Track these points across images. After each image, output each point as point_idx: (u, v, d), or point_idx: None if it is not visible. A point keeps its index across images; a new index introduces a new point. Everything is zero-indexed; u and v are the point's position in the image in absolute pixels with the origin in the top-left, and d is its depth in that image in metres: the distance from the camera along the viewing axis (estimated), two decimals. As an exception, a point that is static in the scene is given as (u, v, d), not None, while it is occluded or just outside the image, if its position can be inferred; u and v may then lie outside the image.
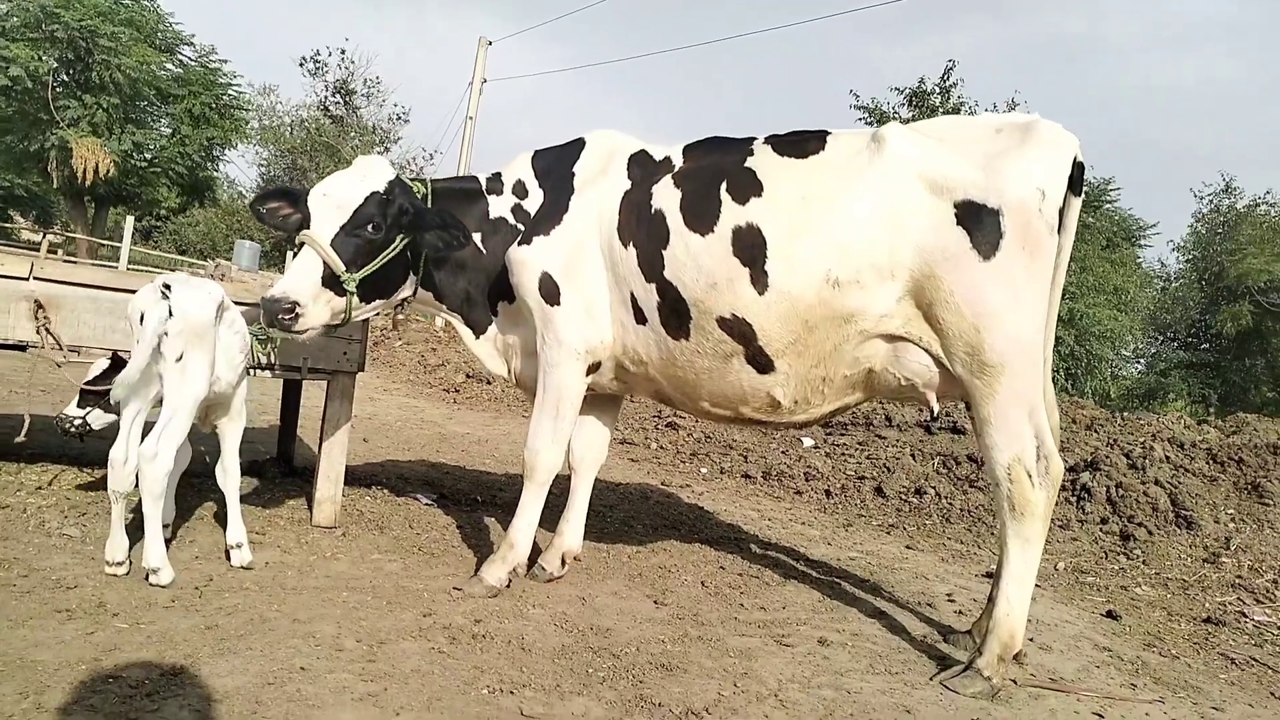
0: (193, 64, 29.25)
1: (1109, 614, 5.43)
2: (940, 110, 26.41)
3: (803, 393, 4.23)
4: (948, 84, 26.52)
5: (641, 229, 4.31)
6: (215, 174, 33.51)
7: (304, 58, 31.78)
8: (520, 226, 4.60)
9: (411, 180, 4.55)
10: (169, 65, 28.42)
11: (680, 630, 4.16)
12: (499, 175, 4.77)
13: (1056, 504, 7.73)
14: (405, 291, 4.61)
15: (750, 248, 4.04)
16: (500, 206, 4.67)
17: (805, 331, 4.03)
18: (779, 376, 4.18)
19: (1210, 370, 36.90)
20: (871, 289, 3.92)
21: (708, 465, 9.13)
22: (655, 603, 4.54)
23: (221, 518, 4.97)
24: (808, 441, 9.73)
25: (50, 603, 3.53)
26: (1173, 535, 7.20)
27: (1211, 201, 38.01)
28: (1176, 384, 36.50)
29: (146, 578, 3.87)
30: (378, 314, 4.80)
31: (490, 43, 32.78)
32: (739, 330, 4.11)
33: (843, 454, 9.19)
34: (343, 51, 31.30)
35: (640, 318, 4.36)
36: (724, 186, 4.18)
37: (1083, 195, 4.06)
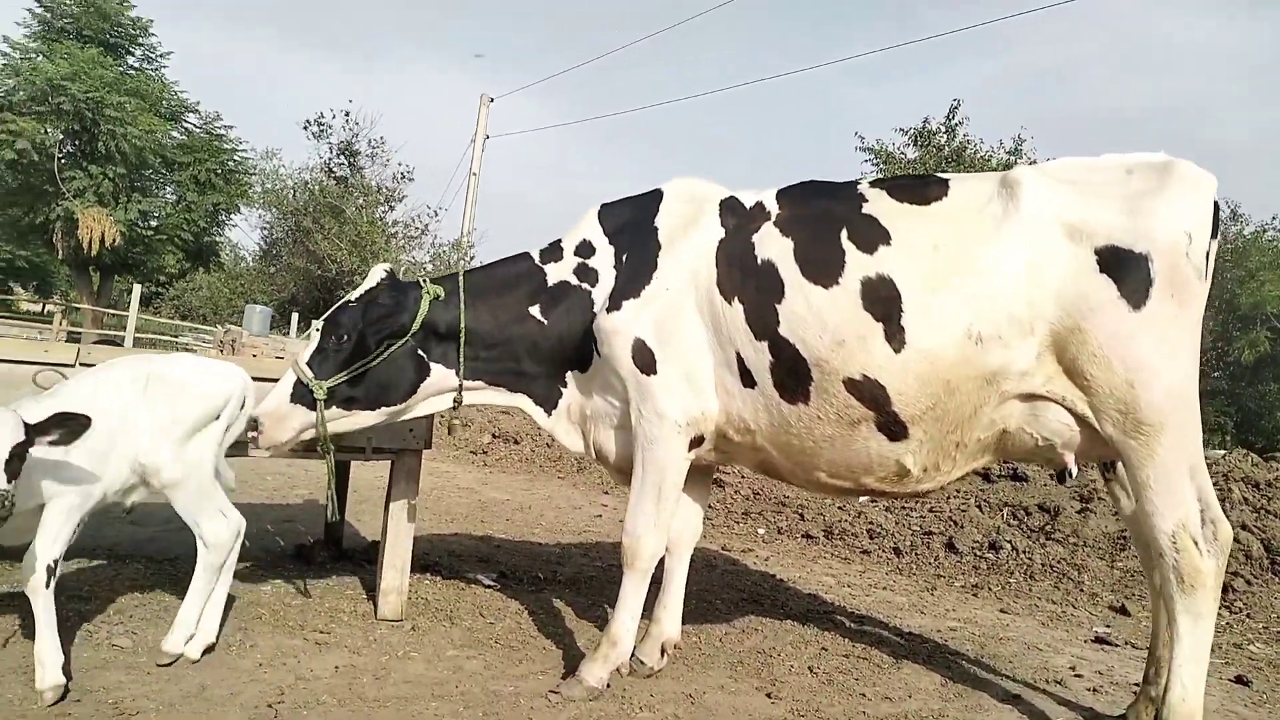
0: (198, 131, 29.13)
1: (1238, 679, 5.02)
2: (946, 149, 26.34)
3: (934, 459, 3.83)
4: (953, 123, 26.44)
5: (749, 282, 3.92)
6: (220, 238, 33.34)
7: (308, 121, 31.77)
8: (586, 286, 4.26)
9: (435, 279, 4.37)
10: (174, 133, 28.27)
11: (808, 730, 3.76)
12: (558, 242, 4.45)
13: (1134, 556, 7.38)
14: (441, 386, 4.29)
15: (884, 301, 3.68)
16: (560, 271, 4.33)
17: (946, 394, 3.66)
18: (912, 444, 3.77)
19: (1225, 398, 36.46)
20: (1013, 345, 3.61)
21: (764, 525, 8.71)
22: (769, 696, 4.13)
23: (283, 616, 4.59)
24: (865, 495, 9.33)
25: None
26: (1272, 584, 6.80)
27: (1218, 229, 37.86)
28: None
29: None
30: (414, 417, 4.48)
31: (492, 100, 32.92)
32: (870, 393, 3.71)
33: (903, 507, 8.77)
34: (346, 114, 31.09)
35: (748, 381, 3.94)
36: (845, 234, 3.82)
37: (1218, 236, 3.76)
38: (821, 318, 3.76)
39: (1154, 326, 3.53)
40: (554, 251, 4.39)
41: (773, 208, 4.09)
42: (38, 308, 40.77)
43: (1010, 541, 7.60)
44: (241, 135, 34.09)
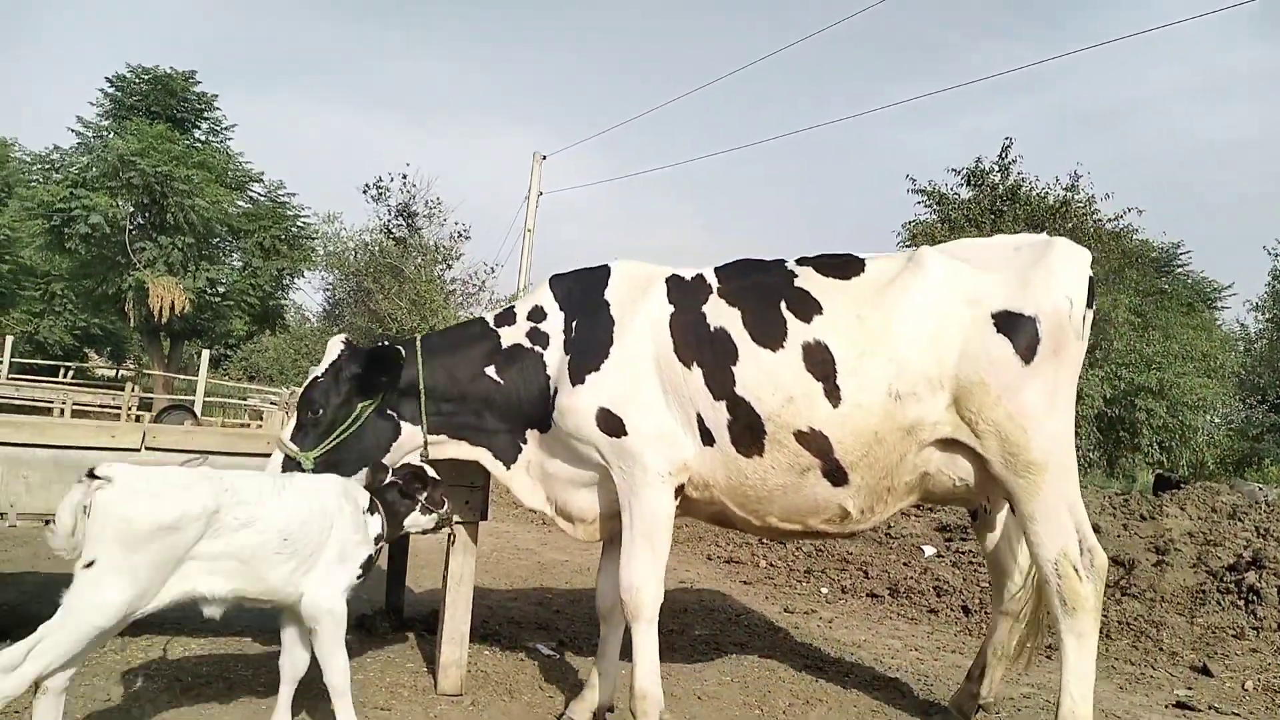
0: (262, 199, 30.17)
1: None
2: (1000, 188, 26.02)
3: (869, 502, 4.29)
4: (1006, 161, 26.14)
5: (704, 349, 4.27)
6: (285, 301, 34.25)
7: (367, 184, 32.43)
8: (539, 349, 4.49)
9: (393, 341, 4.60)
10: (240, 202, 29.34)
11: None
12: (511, 308, 4.72)
13: (1224, 610, 7.08)
14: (412, 441, 4.44)
15: (822, 363, 4.15)
16: (514, 335, 4.56)
17: (876, 443, 4.13)
18: (851, 489, 4.23)
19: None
20: (926, 399, 4.10)
21: (827, 584, 8.54)
22: (837, 776, 4.01)
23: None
24: (929, 550, 9.12)
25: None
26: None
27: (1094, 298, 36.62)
28: (1271, 448, 34.73)
29: None
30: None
31: (544, 157, 33.38)
32: (816, 444, 4.14)
33: (970, 562, 8.55)
34: (404, 176, 31.72)
35: (708, 439, 4.26)
36: (783, 305, 4.28)
37: (1093, 306, 4.35)
38: (773, 377, 4.17)
39: (1041, 379, 4.06)
40: (508, 316, 4.65)
41: (714, 282, 4.48)
42: (112, 373, 42.02)
43: (1083, 598, 7.34)
44: (304, 201, 35.05)
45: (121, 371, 38.82)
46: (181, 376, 30.25)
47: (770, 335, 4.22)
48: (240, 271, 29.33)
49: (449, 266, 33.59)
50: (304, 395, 4.29)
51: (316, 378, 4.31)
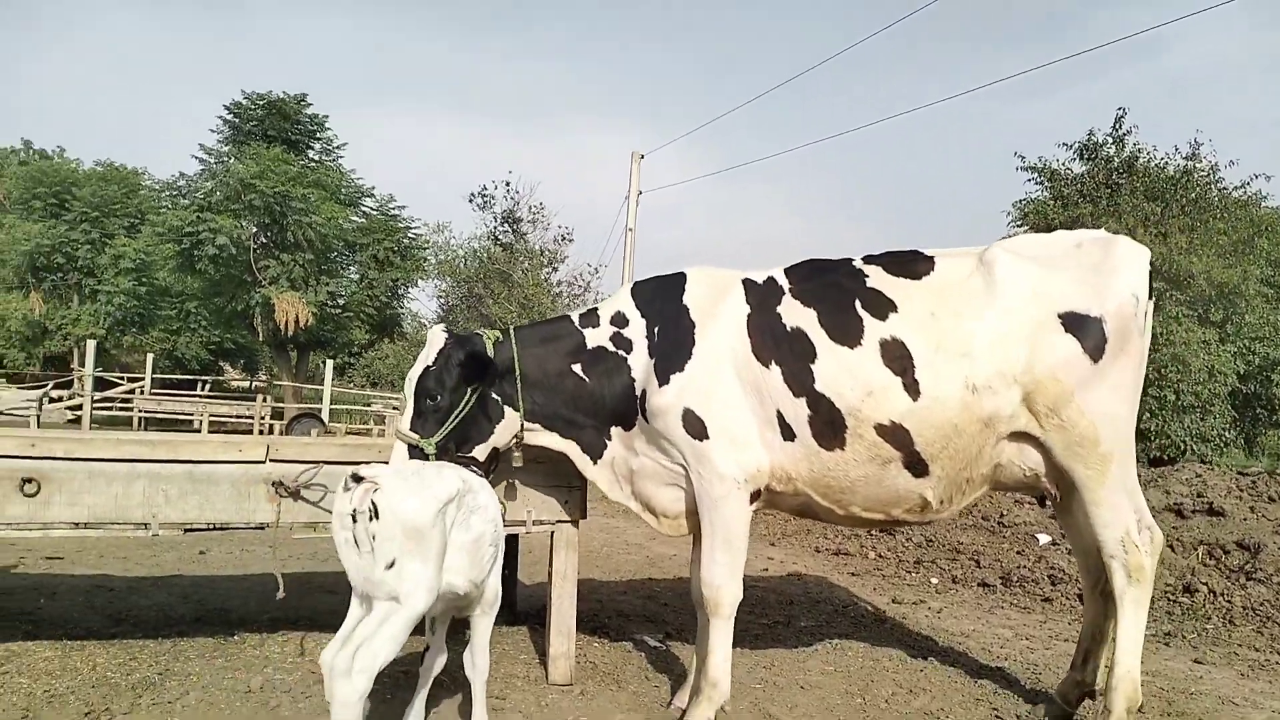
0: (375, 213, 31.31)
1: None
2: (1115, 160, 24.96)
3: (949, 492, 4.48)
4: (1121, 133, 25.05)
5: (783, 348, 4.45)
6: (401, 310, 35.47)
7: (473, 194, 33.38)
8: (622, 353, 4.69)
9: (485, 331, 4.83)
10: (354, 217, 30.52)
11: (975, 798, 3.67)
12: (595, 310, 4.91)
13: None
14: (512, 426, 4.69)
15: (899, 358, 4.31)
16: (598, 337, 4.76)
17: (955, 435, 4.31)
18: (932, 479, 4.41)
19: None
20: (1001, 393, 4.27)
21: (936, 574, 8.48)
22: (934, 761, 4.05)
23: (462, 681, 4.85)
24: (1044, 539, 8.93)
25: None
26: None
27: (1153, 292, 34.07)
28: None
29: None
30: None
31: (642, 156, 33.65)
32: (897, 436, 4.32)
33: (1086, 550, 8.34)
34: (508, 184, 32.59)
35: (788, 435, 4.44)
36: (858, 303, 4.46)
37: (1153, 298, 4.53)
38: (852, 373, 4.34)
39: (1108, 376, 4.27)
40: (591, 318, 4.83)
41: (783, 282, 4.67)
42: (246, 384, 44.22)
43: (1206, 583, 7.11)
44: (413, 212, 36.40)
45: (255, 383, 40.89)
46: (309, 386, 31.65)
47: (847, 333, 4.40)
48: (358, 284, 30.50)
49: (554, 269, 34.25)
50: (419, 384, 4.55)
51: (428, 367, 4.57)
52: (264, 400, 26.79)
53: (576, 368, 4.73)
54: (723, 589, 4.47)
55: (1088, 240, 4.55)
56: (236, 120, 29.58)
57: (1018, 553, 8.67)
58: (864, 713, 4.70)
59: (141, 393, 27.57)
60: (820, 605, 7.21)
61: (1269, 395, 22.37)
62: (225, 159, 28.64)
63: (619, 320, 4.78)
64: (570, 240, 34.36)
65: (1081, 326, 4.27)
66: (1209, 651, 6.10)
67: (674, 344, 4.57)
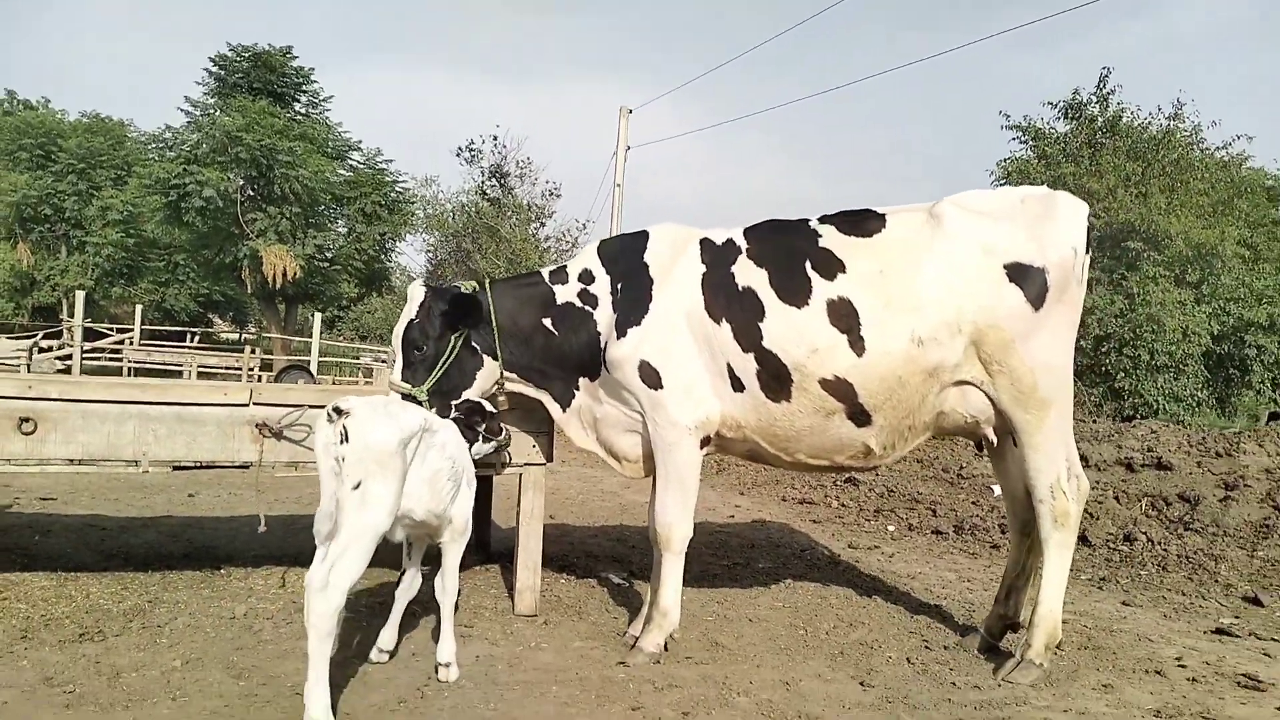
0: (362, 167, 31.34)
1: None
2: (1100, 120, 25.12)
3: (891, 440, 4.76)
4: (1105, 92, 25.17)
5: (734, 306, 4.72)
6: (389, 264, 35.59)
7: (460, 148, 33.28)
8: (588, 308, 5.00)
9: (462, 284, 5.13)
10: (341, 171, 30.56)
11: (891, 716, 4.05)
12: (564, 268, 5.19)
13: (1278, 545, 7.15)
14: (492, 374, 5.04)
15: (846, 316, 4.57)
16: (567, 293, 5.06)
17: (899, 386, 4.58)
18: (875, 428, 4.70)
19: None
20: (946, 344, 4.53)
21: (894, 522, 8.87)
22: (861, 684, 4.43)
23: (434, 612, 5.19)
24: (998, 490, 9.31)
25: (289, 711, 3.76)
26: None
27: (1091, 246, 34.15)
28: None
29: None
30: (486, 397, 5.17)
31: (630, 111, 33.57)
32: (841, 390, 4.60)
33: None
34: (495, 138, 32.43)
35: (738, 386, 4.73)
36: (809, 264, 4.70)
37: (1090, 252, 4.82)
38: (799, 331, 4.62)
39: (1049, 324, 4.55)
40: (561, 274, 5.14)
41: (741, 243, 4.91)
42: (235, 336, 44.38)
43: (1146, 533, 7.51)
44: (401, 166, 36.34)
45: (244, 335, 41.05)
46: (297, 338, 31.84)
47: (795, 293, 4.67)
48: (345, 237, 30.64)
49: (542, 225, 34.30)
50: (405, 337, 4.92)
51: (412, 320, 4.92)
52: (252, 352, 27.03)
53: (547, 321, 5.04)
54: (674, 526, 4.81)
55: (1031, 195, 4.81)
56: (222, 73, 29.48)
57: (973, 503, 9.07)
58: (805, 643, 5.07)
59: (131, 343, 27.72)
60: (780, 549, 7.59)
61: (1242, 356, 22.77)
62: (211, 111, 28.59)
63: (586, 277, 5.07)
64: (558, 195, 34.37)
65: (1025, 276, 4.52)
66: (1139, 595, 6.50)
67: (633, 299, 4.87)
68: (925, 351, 4.52)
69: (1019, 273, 4.54)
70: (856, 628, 5.36)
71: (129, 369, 25.80)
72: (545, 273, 5.24)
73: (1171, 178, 22.83)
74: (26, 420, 4.61)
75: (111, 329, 30.14)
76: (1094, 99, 25.34)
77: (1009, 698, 4.30)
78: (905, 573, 6.91)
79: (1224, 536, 7.27)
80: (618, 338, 4.81)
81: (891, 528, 8.72)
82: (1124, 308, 20.66)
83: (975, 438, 4.95)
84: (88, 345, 25.98)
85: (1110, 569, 7.16)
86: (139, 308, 30.19)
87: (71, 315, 27.03)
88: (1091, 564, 7.30)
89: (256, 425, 4.86)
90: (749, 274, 4.78)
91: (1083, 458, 9.41)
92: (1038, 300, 4.52)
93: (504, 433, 4.85)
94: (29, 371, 19.76)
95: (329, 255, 30.18)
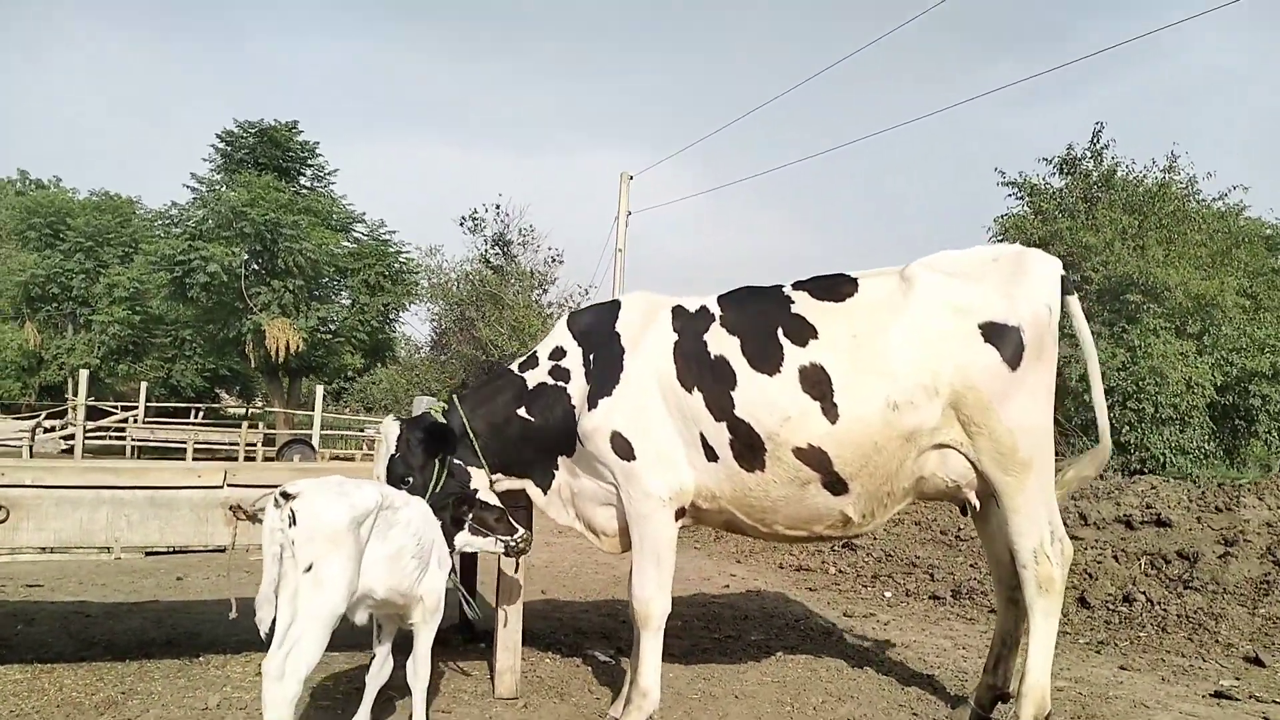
0: (366, 239, 31.71)
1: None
2: (1095, 174, 25.35)
3: (870, 507, 4.67)
4: (1099, 147, 25.43)
5: (705, 374, 4.68)
6: (393, 334, 35.78)
7: (463, 217, 33.71)
8: (561, 384, 4.96)
9: (431, 407, 5.11)
10: (345, 243, 30.92)
11: (874, 796, 3.93)
12: (534, 352, 5.18)
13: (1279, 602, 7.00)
14: (482, 482, 4.96)
15: (818, 383, 4.51)
16: (538, 376, 5.04)
17: (875, 453, 4.48)
18: (852, 497, 4.60)
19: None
20: (923, 407, 4.45)
21: (891, 588, 8.73)
22: (845, 763, 4.31)
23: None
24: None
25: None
26: None
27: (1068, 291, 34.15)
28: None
29: None
30: None
31: (631, 177, 34.03)
32: (815, 458, 4.51)
33: (1037, 562, 8.59)
34: (497, 206, 32.86)
35: (711, 456, 4.67)
36: (780, 331, 4.65)
37: (1074, 294, 4.81)
38: (770, 400, 4.55)
39: (1027, 384, 4.48)
40: (531, 360, 5.13)
41: (715, 310, 4.88)
42: (242, 411, 44.45)
43: (1145, 593, 7.37)
44: (404, 236, 36.74)
45: (250, 410, 41.13)
46: (301, 412, 31.90)
47: (767, 360, 4.61)
48: (349, 309, 30.87)
49: (545, 291, 34.54)
50: (390, 473, 4.84)
51: (393, 456, 4.87)
52: (248, 428, 26.98)
53: (521, 411, 5.00)
54: (651, 602, 4.72)
55: (1003, 254, 4.80)
56: (228, 148, 30.01)
57: (971, 566, 8.93)
58: (789, 719, 4.95)
59: (135, 421, 27.78)
60: (774, 620, 7.46)
61: (1247, 406, 22.59)
62: (217, 187, 29.05)
63: (556, 354, 5.06)
64: (560, 262, 34.63)
65: (1000, 336, 4.48)
66: (1137, 658, 6.35)
67: (604, 369, 4.85)
68: (901, 416, 4.45)
69: (993, 332, 4.49)
70: (845, 702, 5.23)
71: (132, 447, 25.83)
72: (515, 365, 5.24)
73: (1169, 230, 22.90)
74: (-1, 509, 4.59)
75: (116, 407, 30.22)
76: (1088, 154, 25.61)
77: (997, 775, 4.18)
78: (900, 641, 6.77)
79: (1224, 594, 7.13)
80: (589, 408, 4.79)
81: (889, 594, 8.57)
82: (1126, 361, 20.60)
83: (958, 501, 4.86)
84: (92, 424, 26.08)
85: (1109, 631, 7.01)
86: (144, 385, 30.32)
87: (77, 394, 27.22)
88: (1090, 626, 7.16)
89: (230, 508, 4.82)
90: (721, 342, 4.74)
91: (1081, 516, 9.38)
92: (1014, 359, 4.46)
93: (520, 531, 4.61)
94: (31, 453, 19.84)
95: (332, 327, 30.38)
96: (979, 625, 7.43)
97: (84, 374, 24.95)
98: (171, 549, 4.90)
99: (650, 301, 5.08)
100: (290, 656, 3.51)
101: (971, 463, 4.55)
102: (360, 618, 4.02)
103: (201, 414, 33.16)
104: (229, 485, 4.92)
